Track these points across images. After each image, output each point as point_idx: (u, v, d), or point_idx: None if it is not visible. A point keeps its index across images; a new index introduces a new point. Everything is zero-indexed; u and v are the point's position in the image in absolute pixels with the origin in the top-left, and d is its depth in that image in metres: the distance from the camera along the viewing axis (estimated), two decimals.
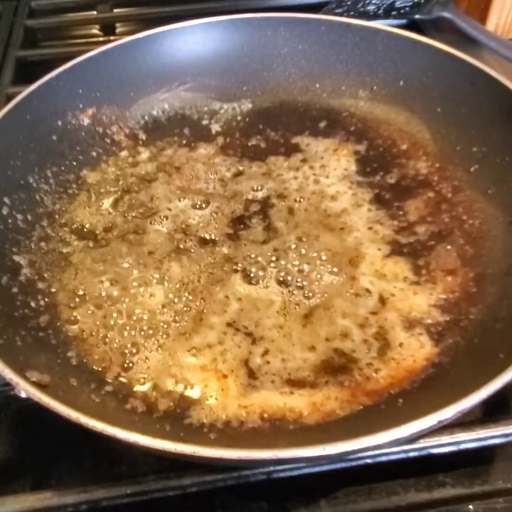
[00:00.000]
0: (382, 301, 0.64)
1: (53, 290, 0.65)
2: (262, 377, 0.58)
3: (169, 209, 0.74)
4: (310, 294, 0.64)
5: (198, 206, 0.74)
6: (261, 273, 0.66)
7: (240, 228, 0.71)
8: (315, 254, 0.68)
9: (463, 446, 0.55)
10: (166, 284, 0.66)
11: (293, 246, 0.69)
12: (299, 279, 0.65)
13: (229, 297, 0.64)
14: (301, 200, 0.75)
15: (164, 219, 0.73)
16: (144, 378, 0.58)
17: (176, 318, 0.63)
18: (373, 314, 0.62)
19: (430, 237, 0.69)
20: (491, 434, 0.55)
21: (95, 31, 1.17)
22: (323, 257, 0.67)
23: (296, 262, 0.67)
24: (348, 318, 0.62)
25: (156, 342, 0.61)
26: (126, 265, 0.68)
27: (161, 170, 0.79)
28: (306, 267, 0.66)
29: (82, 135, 0.79)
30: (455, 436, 0.54)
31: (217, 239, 0.70)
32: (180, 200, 0.75)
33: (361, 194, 0.75)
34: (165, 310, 0.63)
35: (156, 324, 0.62)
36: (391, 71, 0.83)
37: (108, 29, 1.16)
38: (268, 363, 0.59)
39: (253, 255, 0.68)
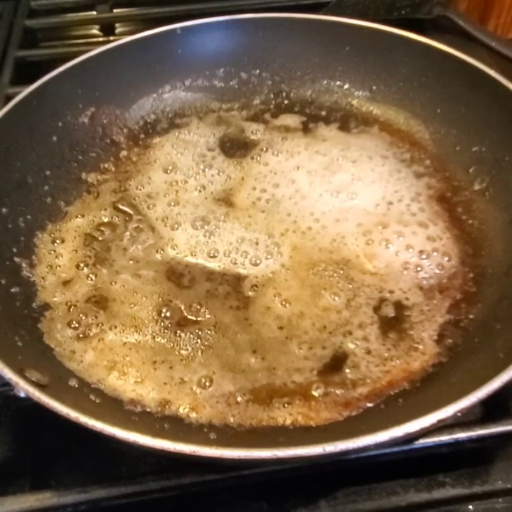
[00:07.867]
0: (381, 300, 0.64)
1: None
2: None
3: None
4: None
5: None
6: None
7: None
8: None
9: (463, 447, 0.55)
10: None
11: None
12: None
13: None
14: None
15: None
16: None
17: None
18: (373, 313, 0.62)
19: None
20: (491, 434, 0.55)
21: (95, 31, 1.17)
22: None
23: None
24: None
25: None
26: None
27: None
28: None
29: (82, 135, 0.79)
30: (455, 436, 0.54)
31: None
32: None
33: None
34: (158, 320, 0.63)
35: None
36: (391, 71, 0.83)
37: (108, 29, 1.16)
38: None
39: None
